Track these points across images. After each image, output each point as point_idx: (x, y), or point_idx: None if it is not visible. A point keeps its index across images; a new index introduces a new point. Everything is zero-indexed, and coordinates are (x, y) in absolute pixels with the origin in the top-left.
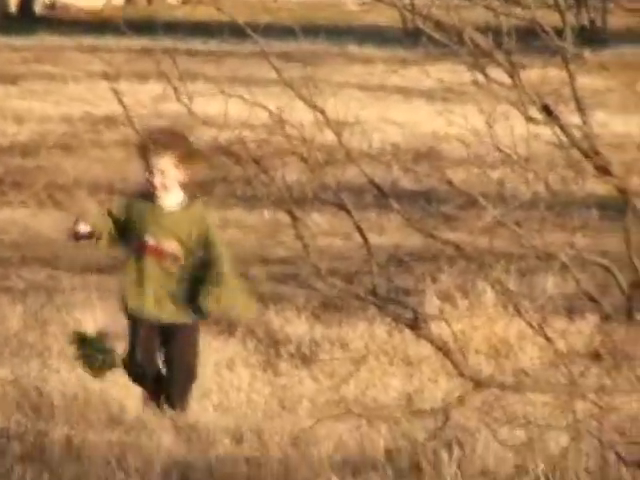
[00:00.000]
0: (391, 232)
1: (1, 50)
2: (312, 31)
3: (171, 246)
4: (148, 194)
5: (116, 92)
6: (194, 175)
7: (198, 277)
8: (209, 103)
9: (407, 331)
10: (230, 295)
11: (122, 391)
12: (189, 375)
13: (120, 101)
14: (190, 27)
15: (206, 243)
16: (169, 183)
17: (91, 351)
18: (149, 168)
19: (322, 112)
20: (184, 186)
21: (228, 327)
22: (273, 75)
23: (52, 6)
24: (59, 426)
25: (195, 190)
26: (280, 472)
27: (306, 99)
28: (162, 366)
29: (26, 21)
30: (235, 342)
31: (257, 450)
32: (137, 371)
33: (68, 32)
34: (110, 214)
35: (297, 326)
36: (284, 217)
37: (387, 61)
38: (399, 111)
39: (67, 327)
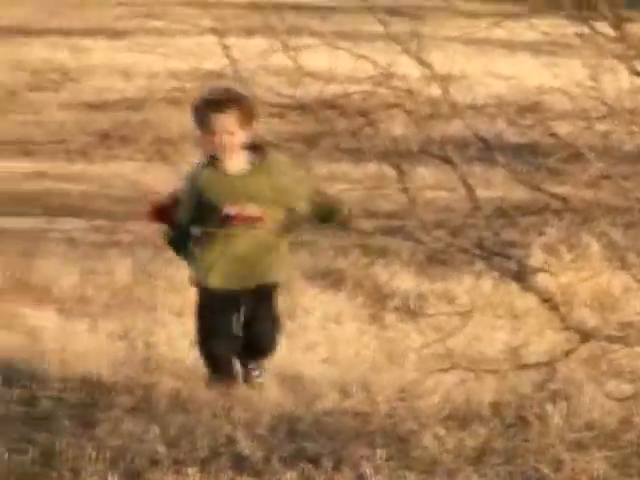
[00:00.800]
0: (496, 185)
1: (112, 6)
2: None
3: (252, 210)
4: (211, 162)
5: (225, 46)
6: (257, 134)
7: (287, 237)
8: (315, 57)
9: (513, 284)
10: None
11: None
12: (270, 346)
13: (228, 55)
14: None
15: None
16: (237, 144)
17: None
18: (211, 130)
19: (429, 66)
20: (250, 146)
21: (336, 281)
22: (379, 30)
23: None
24: (167, 379)
25: (263, 148)
26: (387, 425)
27: (412, 53)
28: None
29: None
30: (342, 296)
31: (364, 403)
32: (211, 352)
33: None
34: (174, 202)
35: (403, 280)
36: (390, 170)
37: (492, 15)
38: (504, 64)
39: (174, 281)
